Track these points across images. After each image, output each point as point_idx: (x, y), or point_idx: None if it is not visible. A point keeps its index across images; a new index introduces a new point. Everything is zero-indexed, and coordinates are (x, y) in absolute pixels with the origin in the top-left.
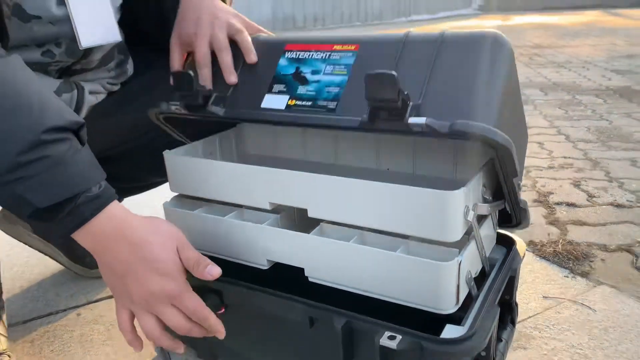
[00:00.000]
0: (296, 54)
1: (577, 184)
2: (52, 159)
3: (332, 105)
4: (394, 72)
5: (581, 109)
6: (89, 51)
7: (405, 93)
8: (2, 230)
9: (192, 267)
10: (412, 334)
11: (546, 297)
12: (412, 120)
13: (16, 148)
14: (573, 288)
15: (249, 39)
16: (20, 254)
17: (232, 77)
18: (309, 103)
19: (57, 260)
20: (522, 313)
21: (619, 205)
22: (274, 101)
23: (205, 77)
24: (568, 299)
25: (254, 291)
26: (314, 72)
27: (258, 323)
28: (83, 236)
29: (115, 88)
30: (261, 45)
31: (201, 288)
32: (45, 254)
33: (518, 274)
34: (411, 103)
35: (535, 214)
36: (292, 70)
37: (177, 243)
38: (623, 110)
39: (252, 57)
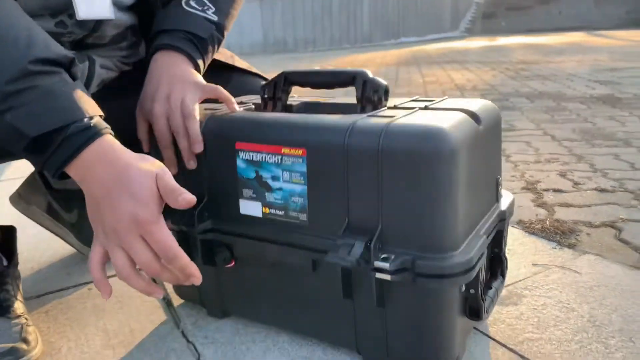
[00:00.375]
0: (250, 155)
1: (563, 174)
2: (40, 88)
3: (303, 217)
4: None
5: (566, 113)
6: (99, 25)
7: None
8: (18, 209)
9: (168, 194)
10: (405, 253)
11: (535, 264)
12: (378, 264)
13: (3, 77)
14: (560, 257)
15: (196, 130)
16: (28, 241)
17: (191, 163)
18: (282, 212)
19: (66, 241)
20: (512, 277)
21: (602, 190)
22: (250, 207)
23: (169, 160)
24: (556, 265)
25: (263, 242)
26: (274, 179)
27: (266, 274)
28: (75, 169)
29: (127, 68)
30: (213, 139)
31: (212, 242)
32: (56, 235)
33: (507, 228)
34: (371, 244)
35: (524, 198)
36: (253, 175)
37: (157, 171)
38: (606, 114)
39: (191, 163)
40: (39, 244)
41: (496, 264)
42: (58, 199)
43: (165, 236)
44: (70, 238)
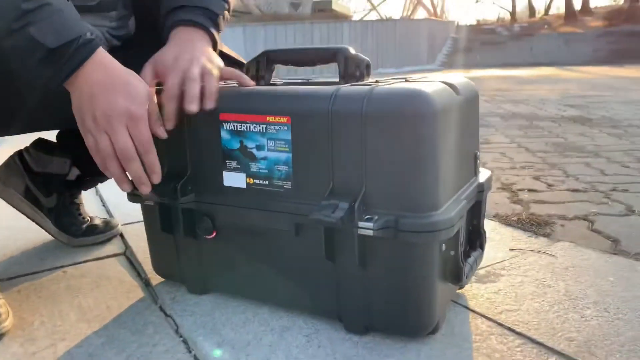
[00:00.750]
0: (234, 126)
1: (537, 178)
2: (52, 6)
3: (287, 185)
4: None
5: (539, 130)
6: None
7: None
8: None
9: (152, 116)
10: (388, 214)
11: (512, 249)
12: (362, 224)
13: None
14: (536, 243)
15: (213, 87)
16: (1, 233)
17: (193, 106)
18: (266, 182)
19: (42, 227)
20: (490, 259)
21: (575, 190)
22: (234, 179)
23: (169, 114)
24: (532, 250)
25: (245, 209)
26: (259, 148)
27: (247, 244)
28: (77, 76)
29: (116, 43)
30: (199, 115)
31: (194, 212)
32: (33, 220)
33: (485, 201)
34: (355, 204)
35: (500, 196)
36: (237, 145)
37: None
38: (577, 131)
39: (192, 107)
40: (13, 234)
41: (475, 235)
42: (37, 182)
43: (147, 131)
44: (46, 224)
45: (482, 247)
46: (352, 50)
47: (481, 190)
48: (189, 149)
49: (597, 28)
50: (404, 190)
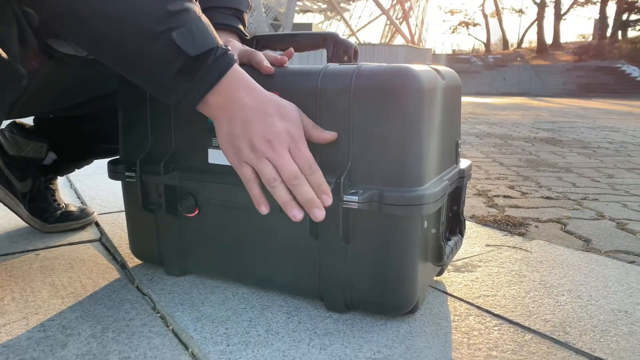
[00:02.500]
0: None
1: (511, 187)
2: (192, 12)
3: None
4: None
5: (513, 148)
6: None
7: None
8: None
9: (310, 128)
10: (373, 189)
11: (489, 245)
12: (347, 198)
13: None
14: (511, 241)
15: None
16: None
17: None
18: None
19: (15, 212)
20: (467, 253)
21: (548, 198)
22: (219, 156)
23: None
24: (507, 245)
25: (229, 186)
26: None
27: (229, 223)
28: (218, 94)
29: None
30: None
31: (176, 189)
32: (5, 204)
33: (465, 188)
34: (341, 179)
35: (476, 201)
36: None
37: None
38: (549, 150)
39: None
40: None
41: (455, 221)
42: (11, 166)
43: (309, 152)
44: (18, 209)
45: (461, 233)
46: (340, 36)
47: (462, 176)
48: (174, 125)
49: (567, 62)
50: (389, 165)
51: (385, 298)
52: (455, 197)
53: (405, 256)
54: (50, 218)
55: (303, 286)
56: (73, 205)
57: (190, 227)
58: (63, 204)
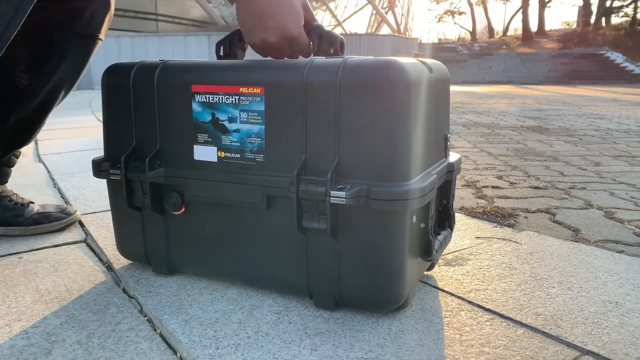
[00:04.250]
0: (206, 98)
1: (500, 177)
2: None
3: (259, 157)
4: None
5: (500, 137)
6: None
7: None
8: None
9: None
10: (360, 184)
11: (478, 237)
12: (335, 194)
13: None
14: (501, 232)
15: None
16: None
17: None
18: (238, 155)
19: None
20: (457, 246)
21: (536, 187)
22: (205, 153)
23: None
24: (497, 237)
25: (215, 182)
26: (231, 120)
27: (216, 221)
28: None
29: None
30: (169, 87)
31: (162, 187)
32: None
33: (454, 181)
34: (329, 175)
35: (465, 192)
36: (209, 117)
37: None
38: (536, 139)
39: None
40: None
41: (444, 215)
42: None
43: (306, 40)
44: None
45: (451, 228)
46: (326, 28)
47: (451, 170)
48: (159, 122)
49: (552, 50)
50: (376, 160)
51: (374, 294)
52: (445, 191)
53: (394, 251)
54: (26, 221)
55: (292, 283)
56: (50, 205)
57: (176, 225)
58: (27, 202)
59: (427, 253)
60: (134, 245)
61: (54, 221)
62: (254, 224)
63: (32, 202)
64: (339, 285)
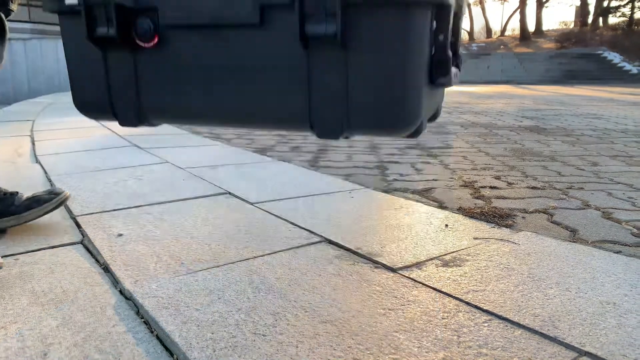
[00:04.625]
0: None
1: (497, 178)
2: None
3: None
4: None
5: (498, 137)
6: None
7: None
8: None
9: None
10: None
11: (476, 238)
12: None
13: None
14: (499, 233)
15: None
16: None
17: None
18: None
19: None
20: (455, 247)
21: (534, 188)
22: None
23: None
24: (495, 238)
25: None
26: None
27: (197, 51)
28: None
29: None
30: None
31: (131, 11)
32: None
33: (462, 22)
34: None
35: (463, 192)
36: None
37: None
38: (534, 139)
39: None
40: None
41: (452, 52)
42: None
43: None
44: None
45: (458, 67)
46: None
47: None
48: None
49: (550, 49)
50: None
51: (389, 112)
52: (455, 29)
53: (412, 59)
54: (18, 208)
55: (291, 113)
56: (40, 192)
57: (148, 63)
58: (7, 191)
59: (445, 71)
60: (95, 94)
61: (45, 203)
62: (244, 50)
63: (18, 192)
64: (347, 106)
